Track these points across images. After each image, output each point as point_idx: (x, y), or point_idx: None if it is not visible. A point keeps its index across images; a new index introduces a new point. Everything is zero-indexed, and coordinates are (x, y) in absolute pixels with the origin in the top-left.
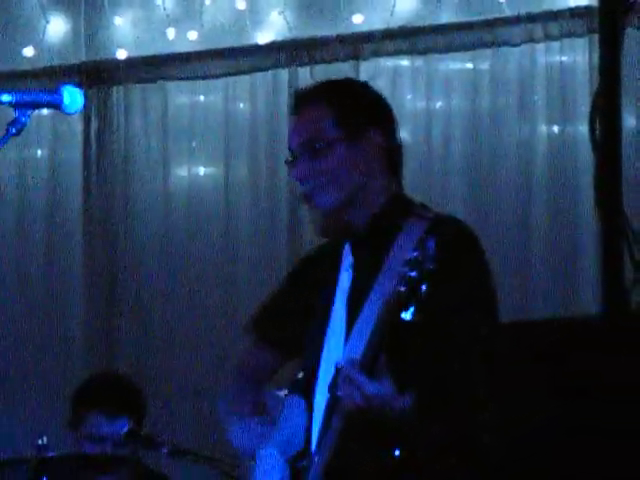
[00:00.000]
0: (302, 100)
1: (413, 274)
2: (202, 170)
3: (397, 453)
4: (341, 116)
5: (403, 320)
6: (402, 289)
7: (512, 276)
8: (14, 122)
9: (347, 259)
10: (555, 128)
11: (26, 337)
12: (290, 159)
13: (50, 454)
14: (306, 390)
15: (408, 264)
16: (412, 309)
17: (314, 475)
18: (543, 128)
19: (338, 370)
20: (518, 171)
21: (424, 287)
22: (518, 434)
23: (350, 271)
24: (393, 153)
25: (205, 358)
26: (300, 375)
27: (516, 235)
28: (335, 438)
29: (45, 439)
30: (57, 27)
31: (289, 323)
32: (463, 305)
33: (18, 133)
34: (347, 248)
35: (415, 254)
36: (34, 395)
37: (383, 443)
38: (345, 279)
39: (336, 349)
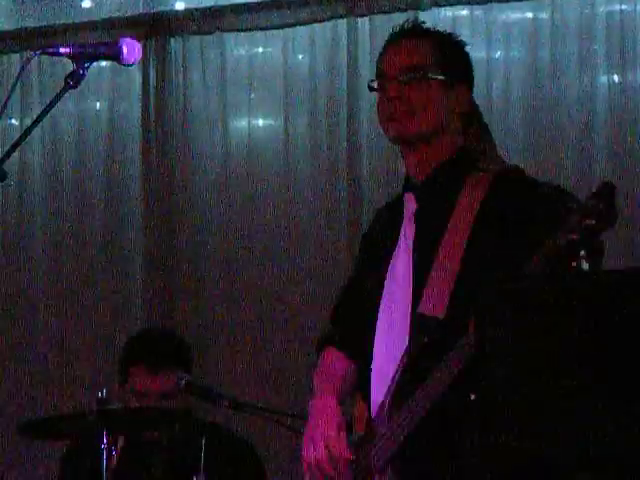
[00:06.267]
0: (411, 32)
1: (592, 222)
2: (261, 122)
3: (472, 397)
4: (444, 59)
5: (577, 269)
6: (575, 237)
7: None
8: (72, 74)
9: (409, 209)
10: (615, 77)
11: (86, 292)
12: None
13: (110, 407)
14: (356, 342)
15: (584, 211)
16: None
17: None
18: (603, 78)
19: (420, 317)
20: (578, 120)
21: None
22: None
23: (413, 220)
24: (470, 111)
25: (263, 310)
26: (341, 330)
27: (577, 186)
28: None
29: (105, 392)
30: None
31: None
32: None
33: (76, 85)
34: (408, 198)
35: (597, 203)
36: (95, 349)
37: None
38: (408, 229)
39: (402, 299)
